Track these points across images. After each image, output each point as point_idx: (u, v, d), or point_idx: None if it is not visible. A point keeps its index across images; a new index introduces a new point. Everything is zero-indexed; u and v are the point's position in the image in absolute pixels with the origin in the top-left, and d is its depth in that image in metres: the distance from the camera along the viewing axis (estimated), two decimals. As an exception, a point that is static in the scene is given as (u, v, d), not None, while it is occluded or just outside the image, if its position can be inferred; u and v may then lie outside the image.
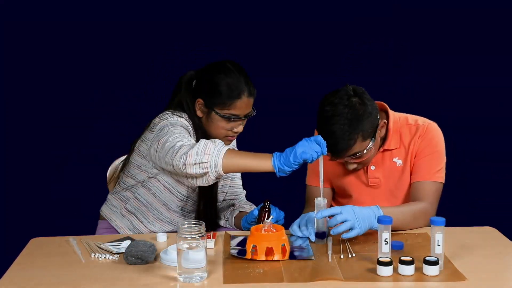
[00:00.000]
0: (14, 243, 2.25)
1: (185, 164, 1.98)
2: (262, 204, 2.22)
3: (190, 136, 2.25)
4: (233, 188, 2.58)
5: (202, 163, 1.98)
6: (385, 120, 2.28)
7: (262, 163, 1.98)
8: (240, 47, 3.47)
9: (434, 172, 2.28)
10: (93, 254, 1.99)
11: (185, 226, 1.81)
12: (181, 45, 3.51)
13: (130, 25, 3.47)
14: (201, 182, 2.05)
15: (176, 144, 2.05)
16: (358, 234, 1.99)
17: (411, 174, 2.32)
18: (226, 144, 2.32)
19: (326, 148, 1.97)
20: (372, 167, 2.34)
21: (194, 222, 1.82)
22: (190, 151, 1.98)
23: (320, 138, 1.97)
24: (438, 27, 3.52)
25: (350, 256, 1.95)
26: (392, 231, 1.89)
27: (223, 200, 2.56)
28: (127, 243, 2.04)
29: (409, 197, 2.32)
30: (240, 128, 2.31)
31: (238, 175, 2.61)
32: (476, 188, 3.56)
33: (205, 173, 2.00)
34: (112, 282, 1.80)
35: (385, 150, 2.32)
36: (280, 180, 3.30)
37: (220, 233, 2.17)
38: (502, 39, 3.53)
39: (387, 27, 3.52)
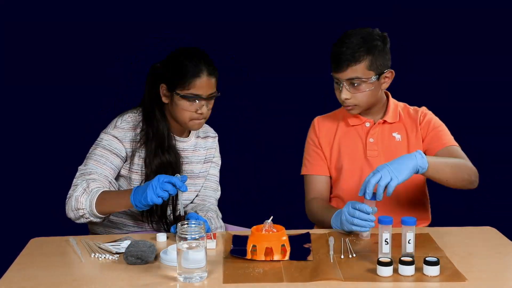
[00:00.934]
0: (14, 243, 2.25)
1: (70, 217, 2.21)
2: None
3: (116, 153, 2.28)
4: (205, 190, 2.50)
5: (81, 216, 2.17)
6: (392, 71, 2.33)
7: (124, 201, 2.11)
8: (242, 46, 3.48)
9: (450, 139, 2.35)
10: (93, 254, 1.99)
11: (185, 226, 1.81)
12: (183, 44, 3.50)
13: (131, 24, 3.47)
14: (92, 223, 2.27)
15: (70, 191, 2.23)
16: (398, 183, 1.99)
17: (410, 149, 2.34)
18: (195, 128, 2.35)
19: (184, 186, 2.02)
20: (371, 139, 2.37)
21: (194, 222, 1.82)
22: (67, 207, 2.20)
23: (175, 178, 2.01)
24: (438, 27, 3.52)
25: (350, 256, 1.95)
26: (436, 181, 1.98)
27: (191, 203, 2.50)
28: (127, 243, 2.04)
29: None
30: (204, 110, 2.27)
31: (214, 174, 2.52)
32: (476, 188, 3.55)
33: (90, 221, 2.19)
34: (112, 282, 1.80)
35: (385, 122, 2.38)
36: (282, 177, 3.29)
37: (221, 233, 2.17)
38: (503, 39, 3.53)
39: (387, 27, 3.51)
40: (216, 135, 2.55)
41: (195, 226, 1.81)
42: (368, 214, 2.00)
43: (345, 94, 2.26)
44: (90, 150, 2.31)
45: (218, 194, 2.54)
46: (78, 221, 2.20)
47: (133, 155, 2.31)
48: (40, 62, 3.47)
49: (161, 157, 2.30)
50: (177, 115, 2.29)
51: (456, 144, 2.35)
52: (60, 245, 2.10)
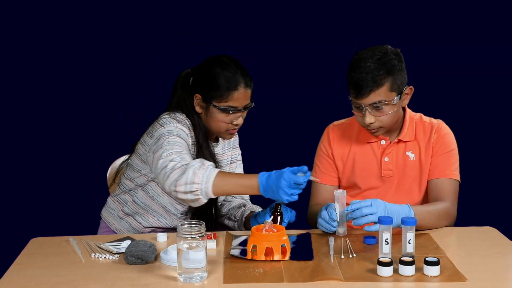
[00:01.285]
0: (14, 243, 2.25)
1: (176, 191, 2.00)
2: (273, 207, 2.18)
3: (188, 144, 2.22)
4: None
5: (193, 191, 1.99)
6: (412, 87, 2.29)
7: (250, 189, 2.02)
8: (241, 46, 3.47)
9: (452, 170, 2.31)
10: (93, 254, 1.99)
11: (185, 226, 1.81)
12: (183, 43, 3.51)
13: (131, 24, 3.47)
14: (192, 204, 2.06)
15: (168, 165, 2.04)
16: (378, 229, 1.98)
17: (423, 168, 2.33)
18: (228, 138, 2.36)
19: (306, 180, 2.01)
20: (386, 159, 2.34)
21: (194, 222, 1.82)
22: (180, 179, 1.98)
23: (301, 179, 1.98)
24: (436, 27, 3.52)
25: (350, 256, 1.95)
26: (416, 230, 1.91)
27: (224, 200, 2.54)
28: (127, 243, 2.04)
29: (418, 193, 2.34)
30: (240, 121, 2.29)
31: (241, 172, 2.58)
32: (476, 188, 3.55)
33: (197, 199, 2.02)
34: (112, 282, 1.80)
35: (400, 141, 2.34)
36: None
37: (221, 233, 2.17)
38: (502, 39, 3.53)
39: (386, 27, 3.52)
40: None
41: (195, 226, 1.80)
42: (334, 221, 2.09)
43: (369, 118, 2.22)
44: (160, 142, 2.16)
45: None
46: (179, 197, 2.02)
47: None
48: (40, 62, 3.47)
49: (204, 153, 2.30)
50: (212, 125, 2.30)
51: (456, 174, 2.32)
52: (60, 245, 2.10)
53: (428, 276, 1.78)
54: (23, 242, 2.13)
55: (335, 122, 2.48)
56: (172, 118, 2.26)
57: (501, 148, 3.60)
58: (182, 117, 2.29)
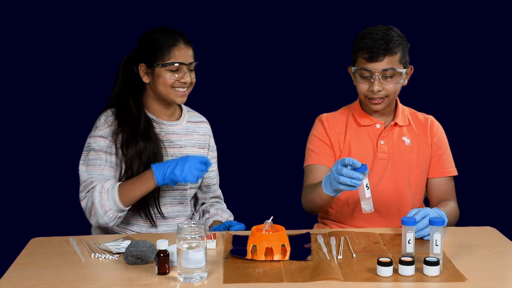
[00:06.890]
0: (14, 243, 2.25)
1: (105, 226, 2.26)
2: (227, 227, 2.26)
3: (109, 154, 2.28)
4: (209, 187, 2.55)
5: (111, 218, 2.22)
6: (412, 67, 2.34)
7: (147, 185, 2.21)
8: (239, 46, 3.48)
9: (452, 166, 2.41)
10: (93, 254, 1.99)
11: (185, 226, 1.81)
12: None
13: (130, 24, 3.47)
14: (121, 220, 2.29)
15: (82, 205, 2.27)
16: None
17: (419, 155, 2.36)
18: (179, 101, 2.35)
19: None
20: (382, 142, 2.36)
21: (194, 222, 1.82)
22: (98, 219, 2.22)
23: (205, 158, 2.18)
24: (433, 27, 3.53)
25: (350, 256, 1.95)
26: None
27: (201, 202, 2.53)
28: (127, 243, 2.04)
29: (410, 179, 2.36)
30: (187, 78, 2.30)
31: (214, 174, 2.55)
32: (477, 188, 3.56)
33: (119, 217, 2.24)
34: (112, 282, 1.80)
35: (396, 124, 2.38)
36: (282, 177, 3.29)
37: (221, 233, 2.17)
38: (500, 39, 3.54)
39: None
40: (208, 122, 2.55)
41: (195, 226, 1.81)
42: (357, 168, 1.97)
43: (378, 85, 2.25)
44: (82, 157, 2.31)
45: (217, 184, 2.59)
46: (111, 224, 2.25)
47: (117, 148, 2.31)
48: (40, 62, 3.47)
49: (136, 146, 2.29)
50: (161, 88, 2.30)
51: (455, 169, 2.41)
52: (60, 245, 2.10)
53: (428, 276, 1.79)
54: (23, 242, 2.13)
55: (324, 114, 2.48)
56: (96, 122, 2.34)
57: (501, 148, 3.60)
58: (109, 113, 2.34)
